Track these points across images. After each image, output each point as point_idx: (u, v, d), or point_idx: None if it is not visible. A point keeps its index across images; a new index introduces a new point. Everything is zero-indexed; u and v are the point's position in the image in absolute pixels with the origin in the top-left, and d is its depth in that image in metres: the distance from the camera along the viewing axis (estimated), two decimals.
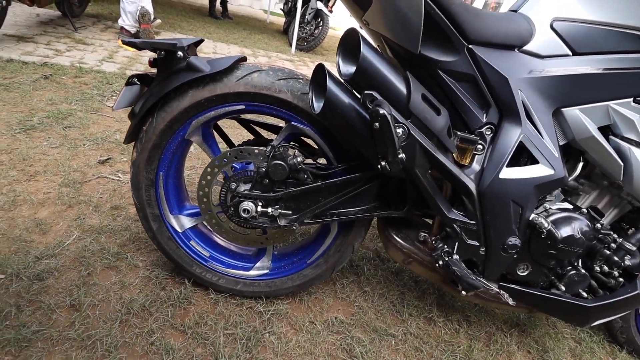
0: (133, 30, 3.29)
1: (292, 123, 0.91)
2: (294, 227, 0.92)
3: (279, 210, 0.91)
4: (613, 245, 0.91)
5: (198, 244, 1.05)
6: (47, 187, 1.35)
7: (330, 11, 5.03)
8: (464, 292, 0.86)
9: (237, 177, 0.93)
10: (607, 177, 0.89)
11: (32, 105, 1.89)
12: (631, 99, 0.79)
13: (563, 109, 0.82)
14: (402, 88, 0.72)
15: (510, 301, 0.91)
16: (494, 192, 0.82)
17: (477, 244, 0.88)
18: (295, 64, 4.25)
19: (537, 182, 0.82)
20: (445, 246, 0.89)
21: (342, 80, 0.75)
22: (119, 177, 1.51)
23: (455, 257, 0.88)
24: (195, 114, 0.89)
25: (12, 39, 2.69)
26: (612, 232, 0.93)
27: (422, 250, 0.97)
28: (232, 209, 0.91)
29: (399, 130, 0.71)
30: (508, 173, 0.81)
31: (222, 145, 1.34)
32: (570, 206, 0.91)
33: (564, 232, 0.86)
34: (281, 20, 6.27)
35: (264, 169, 0.88)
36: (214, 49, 3.91)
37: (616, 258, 0.91)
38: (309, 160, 1.02)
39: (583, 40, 0.79)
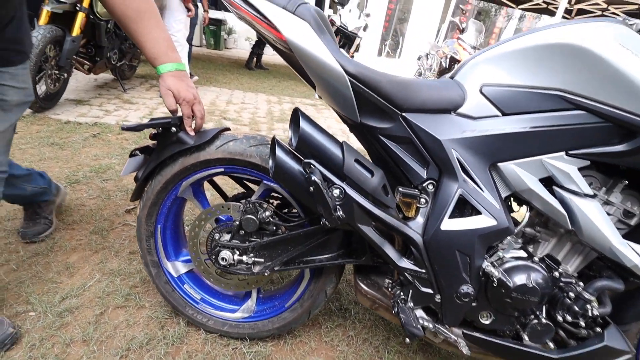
0: None
1: (264, 182, 1.05)
2: (266, 274, 1.03)
3: (253, 259, 1.03)
4: (572, 294, 0.92)
5: (191, 287, 1.20)
6: (80, 234, 1.59)
7: (352, 56, 5.35)
8: (407, 340, 0.90)
9: (219, 229, 1.07)
10: (559, 225, 0.92)
11: (80, 161, 2.23)
12: (563, 153, 0.84)
13: (499, 164, 0.88)
14: (338, 154, 0.84)
15: (465, 350, 0.94)
16: (438, 242, 0.89)
17: (431, 291, 0.93)
18: (317, 108, 4.52)
19: (480, 233, 0.88)
20: (402, 293, 0.96)
21: (292, 150, 0.89)
22: None
23: (410, 304, 0.93)
24: (185, 177, 1.06)
25: (72, 102, 3.19)
26: (573, 281, 0.94)
27: (386, 296, 1.03)
28: (214, 257, 1.04)
29: (336, 191, 0.82)
30: (450, 224, 0.88)
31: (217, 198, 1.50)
32: (525, 254, 0.94)
33: (517, 280, 0.90)
34: None
35: (237, 222, 1.02)
36: (243, 99, 4.30)
37: (577, 308, 0.91)
38: (286, 210, 1.15)
39: (509, 102, 0.87)
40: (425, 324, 0.95)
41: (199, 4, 4.54)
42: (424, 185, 0.91)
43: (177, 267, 1.18)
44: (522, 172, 0.87)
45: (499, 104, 0.87)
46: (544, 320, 0.94)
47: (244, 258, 1.03)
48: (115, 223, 1.70)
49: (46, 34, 2.50)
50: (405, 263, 0.92)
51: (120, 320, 1.21)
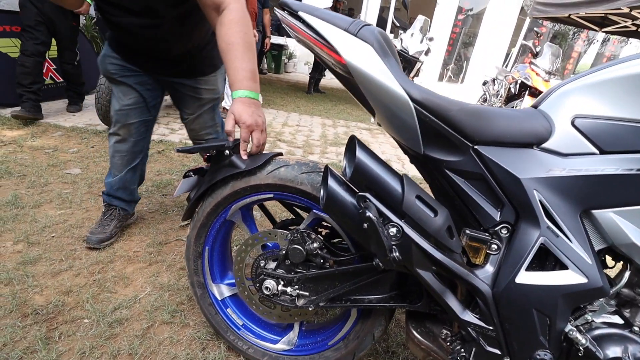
0: None
1: (314, 211, 1.00)
2: (310, 308, 0.96)
3: (298, 291, 0.97)
4: None
5: (234, 312, 1.16)
6: (137, 246, 1.66)
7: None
8: None
9: (266, 256, 1.04)
10: None
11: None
12: None
13: (594, 211, 0.74)
14: (398, 188, 0.76)
15: None
16: (512, 297, 0.76)
17: (499, 352, 0.79)
18: (372, 132, 4.45)
19: (566, 291, 0.73)
20: (463, 350, 0.83)
21: (346, 181, 0.83)
22: None
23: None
24: (234, 200, 1.05)
25: None
26: None
27: (443, 349, 0.90)
28: (258, 284, 1.00)
29: (393, 230, 0.74)
30: (527, 277, 0.75)
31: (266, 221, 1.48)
32: (620, 321, 0.77)
33: (609, 352, 0.73)
34: None
35: (284, 252, 0.97)
36: (299, 122, 4.38)
37: None
38: (335, 240, 1.09)
39: (610, 138, 0.73)
40: None
41: (262, 30, 4.80)
42: (497, 229, 0.79)
43: (221, 290, 1.16)
44: (624, 222, 0.72)
45: (596, 140, 0.74)
46: None
47: (288, 289, 0.97)
48: (170, 237, 1.76)
49: None
50: (469, 317, 0.80)
51: (165, 336, 1.21)
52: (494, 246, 0.79)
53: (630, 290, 0.79)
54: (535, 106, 0.86)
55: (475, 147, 0.78)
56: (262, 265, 1.03)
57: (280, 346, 1.12)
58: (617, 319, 0.77)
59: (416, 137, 0.78)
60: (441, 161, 0.80)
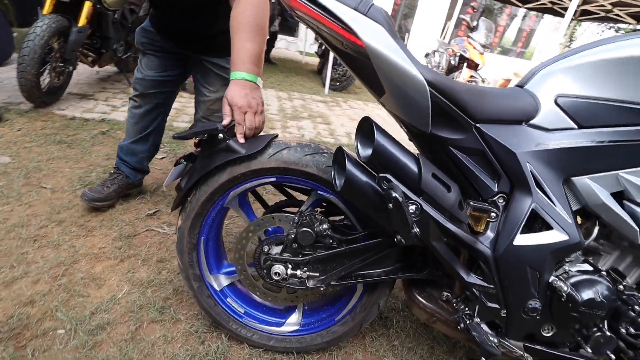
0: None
1: (318, 192, 1.01)
2: (322, 288, 0.99)
3: (307, 273, 0.99)
4: (637, 307, 0.91)
5: (234, 300, 1.15)
6: (102, 241, 1.52)
7: None
8: (483, 359, 0.88)
9: (269, 241, 1.03)
10: (627, 239, 0.91)
11: (91, 161, 2.14)
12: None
13: (573, 178, 0.86)
14: (414, 168, 0.80)
15: None
16: (510, 258, 0.86)
17: (498, 306, 0.91)
18: (328, 104, 4.46)
19: (553, 248, 0.85)
20: (467, 308, 0.93)
21: (361, 162, 0.85)
22: (165, 229, 1.66)
23: (476, 319, 0.91)
24: (233, 186, 1.01)
25: (75, 97, 3.07)
26: (636, 293, 0.92)
27: (445, 310, 1.00)
28: (265, 271, 1.00)
29: (412, 207, 0.78)
30: (522, 240, 0.85)
31: (258, 206, 1.45)
32: (591, 268, 0.92)
33: (585, 295, 0.88)
34: (316, 61, 6.63)
35: (292, 235, 0.97)
36: None
37: None
38: (337, 219, 1.11)
39: (587, 114, 0.84)
40: (491, 338, 0.92)
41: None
42: (494, 199, 0.88)
43: (219, 280, 1.13)
44: (596, 186, 0.85)
45: (575, 116, 0.84)
46: (607, 333, 0.92)
47: (298, 272, 0.98)
48: (138, 228, 1.63)
49: (51, 24, 2.38)
50: (473, 279, 0.89)
51: (157, 336, 1.16)
52: (493, 214, 0.88)
53: (595, 242, 0.94)
54: (520, 85, 0.95)
55: (477, 125, 0.85)
56: (266, 250, 1.02)
57: (285, 328, 1.14)
58: (587, 267, 0.92)
59: (426, 117, 0.82)
60: (446, 139, 0.85)
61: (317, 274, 0.99)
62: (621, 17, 6.32)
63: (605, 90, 0.82)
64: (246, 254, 1.06)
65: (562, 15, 7.83)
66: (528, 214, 0.85)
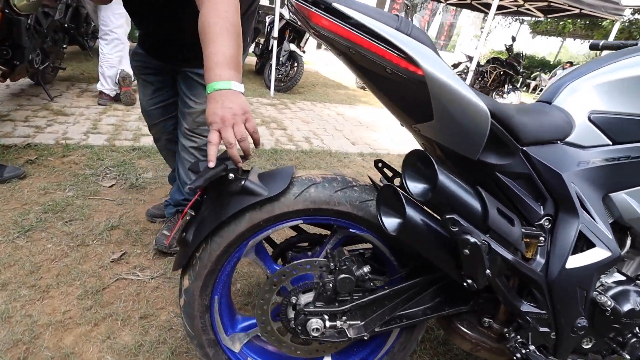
0: (113, 94, 3.22)
1: (351, 230, 0.90)
2: (366, 337, 0.89)
3: (348, 322, 0.88)
4: None
5: (255, 359, 0.99)
6: (64, 303, 1.24)
7: (303, 51, 5.16)
8: None
9: (297, 290, 0.89)
10: None
11: (24, 199, 1.77)
12: None
13: (611, 194, 0.86)
14: (477, 205, 0.73)
15: None
16: (563, 282, 0.84)
17: (549, 330, 0.89)
18: (277, 107, 4.28)
19: (599, 265, 0.85)
20: (519, 337, 0.89)
21: (415, 200, 0.75)
22: (138, 275, 1.42)
23: (532, 347, 0.88)
24: (252, 235, 0.86)
25: None
26: None
27: (489, 337, 0.96)
28: (300, 327, 0.87)
29: (482, 248, 0.71)
30: (573, 262, 0.84)
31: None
32: (624, 277, 0.94)
33: (626, 306, 0.89)
34: (253, 60, 6.36)
35: (330, 284, 0.85)
36: None
37: None
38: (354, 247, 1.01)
39: (621, 130, 0.84)
40: None
41: None
42: (541, 222, 0.85)
43: (237, 340, 0.97)
44: (632, 200, 0.86)
45: (609, 132, 0.84)
46: None
47: (338, 323, 0.87)
48: (106, 279, 1.37)
49: None
50: (527, 307, 0.86)
51: None
52: (542, 238, 0.85)
53: (626, 252, 0.97)
54: (546, 101, 0.92)
55: (524, 148, 0.80)
56: (293, 302, 0.89)
57: None
58: (620, 277, 0.94)
59: (479, 144, 0.75)
60: (494, 165, 0.80)
61: (358, 322, 0.89)
62: (532, 11, 7.00)
63: (637, 107, 0.83)
64: (270, 309, 0.91)
65: (480, 11, 8.49)
66: (577, 235, 0.83)
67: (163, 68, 1.44)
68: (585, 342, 0.96)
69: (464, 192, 0.72)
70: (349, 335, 0.88)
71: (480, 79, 7.20)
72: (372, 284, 0.88)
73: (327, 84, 6.49)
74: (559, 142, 0.85)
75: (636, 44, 1.11)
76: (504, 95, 6.72)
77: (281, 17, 4.78)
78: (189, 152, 1.46)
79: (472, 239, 0.67)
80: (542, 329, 0.88)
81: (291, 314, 0.90)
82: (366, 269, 0.86)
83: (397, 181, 0.89)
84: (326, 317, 0.87)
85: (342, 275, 0.84)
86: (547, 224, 0.86)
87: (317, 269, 0.89)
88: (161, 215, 1.76)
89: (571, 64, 10.63)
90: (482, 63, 7.45)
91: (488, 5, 7.94)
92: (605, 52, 1.27)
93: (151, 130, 1.65)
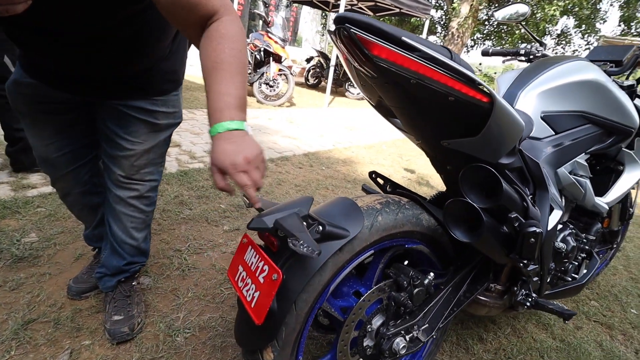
0: None
1: (407, 246, 0.95)
2: (434, 336, 0.98)
3: (420, 329, 0.95)
4: (581, 243, 1.37)
5: None
6: None
7: None
8: (567, 322, 1.14)
9: (371, 318, 0.91)
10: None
11: None
12: (583, 153, 1.22)
13: (557, 170, 1.18)
14: (520, 201, 0.90)
15: None
16: (547, 240, 1.12)
17: (537, 278, 1.17)
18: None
19: (560, 222, 1.17)
20: (523, 290, 1.15)
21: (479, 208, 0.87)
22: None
23: (534, 295, 1.15)
24: (334, 279, 0.82)
25: None
26: (580, 232, 1.39)
27: (496, 298, 1.19)
28: (388, 352, 0.89)
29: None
30: (550, 224, 1.12)
31: None
32: (561, 225, 1.32)
33: (569, 245, 1.25)
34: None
35: (404, 300, 0.90)
36: None
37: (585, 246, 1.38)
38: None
39: (559, 124, 1.16)
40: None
41: None
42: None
43: None
44: (566, 172, 1.20)
45: (553, 126, 1.15)
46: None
47: (414, 333, 0.93)
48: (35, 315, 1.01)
49: None
50: (531, 266, 1.11)
51: None
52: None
53: None
54: None
55: (519, 147, 1.02)
56: (372, 329, 0.90)
57: None
58: (560, 225, 1.31)
59: (505, 151, 0.92)
60: (505, 165, 0.99)
61: (426, 324, 0.97)
62: (363, 9, 8.12)
63: (567, 105, 1.16)
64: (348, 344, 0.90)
65: (320, 8, 9.29)
66: (549, 204, 1.12)
67: (74, 102, 1.08)
68: (549, 277, 1.30)
69: (512, 193, 0.88)
70: (422, 340, 0.95)
71: (334, 72, 7.92)
72: (433, 288, 0.97)
73: (194, 87, 5.95)
74: (527, 138, 1.11)
75: (517, 51, 1.51)
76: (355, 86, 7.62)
77: None
78: (127, 204, 1.19)
79: (538, 230, 0.84)
80: (535, 279, 1.16)
81: (370, 342, 0.90)
82: (430, 276, 0.94)
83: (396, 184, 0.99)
84: (402, 332, 0.92)
85: (417, 289, 0.90)
86: (531, 199, 1.12)
87: (385, 292, 0.92)
88: (90, 289, 1.37)
89: None
90: (330, 57, 8.19)
91: (327, 3, 8.75)
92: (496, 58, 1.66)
93: (56, 185, 1.25)
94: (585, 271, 1.41)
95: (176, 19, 0.79)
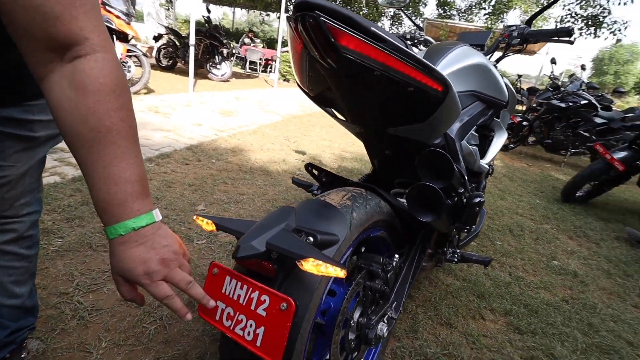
0: None
1: (372, 235, 0.97)
2: (401, 311, 1.04)
3: (392, 307, 1.00)
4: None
5: None
6: None
7: None
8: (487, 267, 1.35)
9: (352, 314, 0.91)
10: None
11: None
12: (475, 126, 1.46)
13: (462, 142, 1.38)
14: (460, 176, 1.02)
15: None
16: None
17: (458, 235, 1.38)
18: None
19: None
20: (450, 249, 1.33)
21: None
22: None
23: (459, 250, 1.34)
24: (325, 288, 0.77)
25: None
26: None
27: (428, 261, 1.35)
28: (374, 339, 0.91)
29: None
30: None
31: None
32: None
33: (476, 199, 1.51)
34: None
35: (379, 286, 0.93)
36: None
37: None
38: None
39: (463, 102, 1.34)
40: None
41: None
42: None
43: None
44: (467, 143, 1.42)
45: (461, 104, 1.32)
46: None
47: (389, 313, 0.98)
48: None
49: None
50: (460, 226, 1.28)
51: None
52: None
53: None
54: None
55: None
56: (354, 322, 0.91)
57: None
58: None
59: (440, 133, 1.02)
60: (436, 145, 1.11)
61: (395, 302, 1.03)
62: None
63: (464, 85, 1.34)
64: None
65: None
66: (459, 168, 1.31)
67: None
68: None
69: (458, 172, 0.99)
70: (395, 318, 1.01)
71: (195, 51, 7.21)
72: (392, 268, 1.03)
73: None
74: None
75: (404, 35, 1.67)
76: (218, 66, 7.14)
77: None
78: (2, 253, 0.87)
79: (482, 199, 0.96)
80: (457, 237, 1.36)
81: (353, 335, 0.91)
82: (396, 258, 0.99)
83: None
84: (381, 316, 0.95)
85: (390, 273, 0.94)
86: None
87: (360, 284, 0.93)
88: None
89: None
90: (183, 35, 7.40)
91: None
92: None
93: None
94: (479, 219, 1.73)
95: (14, 25, 0.48)
